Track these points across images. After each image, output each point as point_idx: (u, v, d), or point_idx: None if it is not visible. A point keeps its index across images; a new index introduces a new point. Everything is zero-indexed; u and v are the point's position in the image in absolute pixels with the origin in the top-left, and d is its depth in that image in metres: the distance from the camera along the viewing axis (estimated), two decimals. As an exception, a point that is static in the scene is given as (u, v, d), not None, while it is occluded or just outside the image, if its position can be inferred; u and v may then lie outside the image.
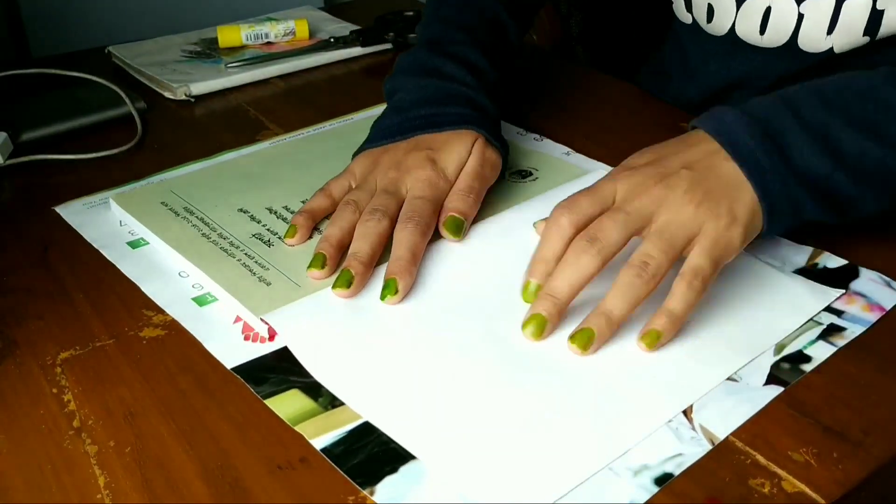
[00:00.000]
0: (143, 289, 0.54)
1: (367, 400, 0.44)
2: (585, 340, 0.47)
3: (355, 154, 0.63)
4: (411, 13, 0.98)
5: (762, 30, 0.68)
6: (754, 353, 0.47)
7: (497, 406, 0.44)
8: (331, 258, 0.54)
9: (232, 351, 0.48)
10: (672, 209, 0.49)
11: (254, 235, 0.58)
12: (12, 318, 0.52)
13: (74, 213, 0.64)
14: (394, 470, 0.40)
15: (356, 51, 0.97)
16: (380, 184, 0.59)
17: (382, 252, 0.54)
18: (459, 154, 0.60)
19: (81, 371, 0.48)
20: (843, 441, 0.42)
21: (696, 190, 0.50)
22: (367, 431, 0.43)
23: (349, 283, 0.51)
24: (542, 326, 0.48)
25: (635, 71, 0.95)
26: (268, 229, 0.59)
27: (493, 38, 0.72)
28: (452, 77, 0.65)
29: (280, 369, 0.47)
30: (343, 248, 0.55)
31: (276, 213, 0.61)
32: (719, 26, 0.71)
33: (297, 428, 0.43)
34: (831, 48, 0.66)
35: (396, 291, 0.51)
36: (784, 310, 0.50)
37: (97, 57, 0.95)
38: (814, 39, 0.66)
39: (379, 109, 0.79)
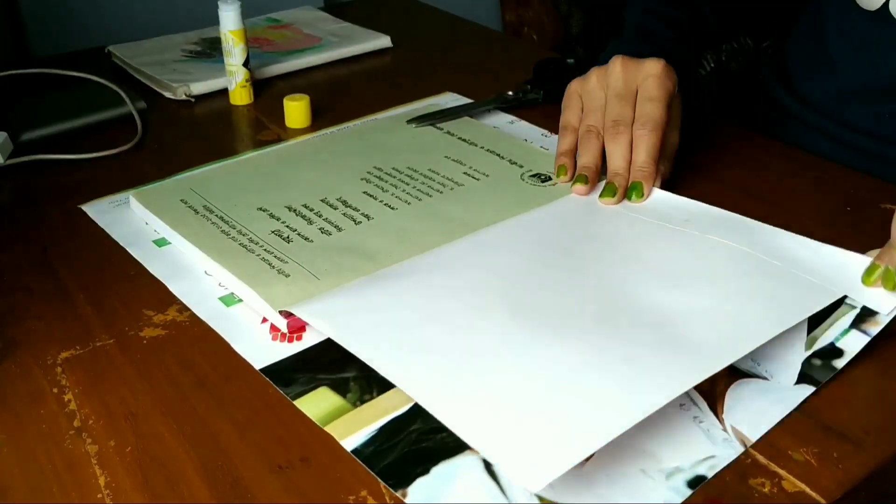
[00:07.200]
0: (170, 287, 0.54)
1: (419, 381, 0.43)
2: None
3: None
4: (572, 61, 0.84)
5: None
6: (783, 325, 0.46)
7: (525, 373, 0.43)
8: (591, 176, 0.61)
9: (260, 351, 0.48)
10: None
11: (273, 232, 0.58)
12: (12, 318, 0.52)
13: (100, 211, 0.64)
14: (425, 471, 0.40)
15: (356, 49, 0.97)
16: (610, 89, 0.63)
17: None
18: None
19: (82, 371, 0.48)
20: (843, 441, 0.42)
21: None
22: (396, 429, 0.42)
23: (614, 192, 0.59)
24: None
25: None
26: (287, 226, 0.59)
27: (694, 31, 0.75)
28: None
29: (308, 368, 0.47)
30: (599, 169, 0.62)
31: (295, 210, 0.61)
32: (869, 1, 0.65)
33: (326, 429, 0.43)
34: None
35: (642, 194, 0.59)
36: (819, 278, 0.50)
37: (97, 57, 0.95)
38: None
39: (399, 110, 0.80)
